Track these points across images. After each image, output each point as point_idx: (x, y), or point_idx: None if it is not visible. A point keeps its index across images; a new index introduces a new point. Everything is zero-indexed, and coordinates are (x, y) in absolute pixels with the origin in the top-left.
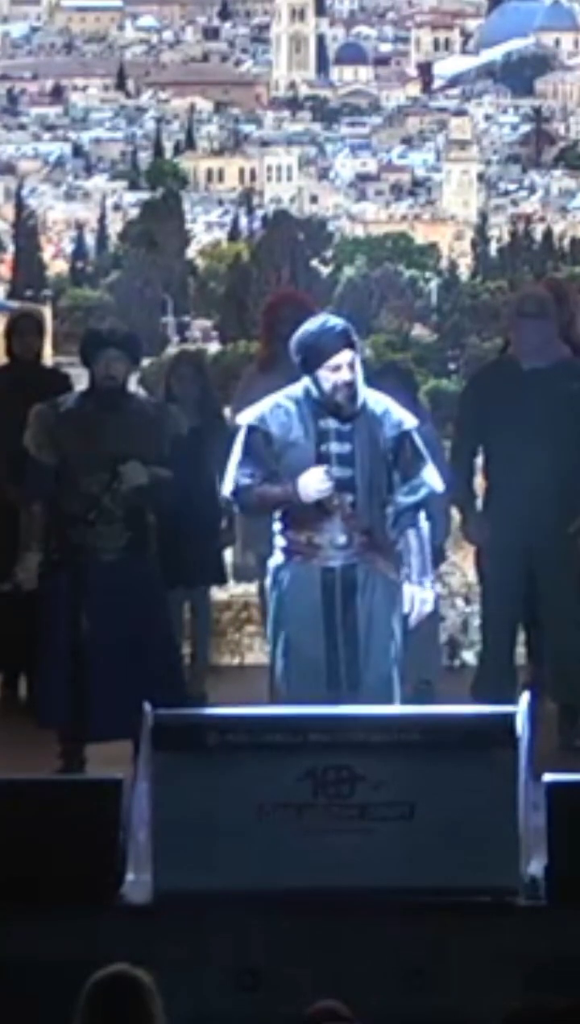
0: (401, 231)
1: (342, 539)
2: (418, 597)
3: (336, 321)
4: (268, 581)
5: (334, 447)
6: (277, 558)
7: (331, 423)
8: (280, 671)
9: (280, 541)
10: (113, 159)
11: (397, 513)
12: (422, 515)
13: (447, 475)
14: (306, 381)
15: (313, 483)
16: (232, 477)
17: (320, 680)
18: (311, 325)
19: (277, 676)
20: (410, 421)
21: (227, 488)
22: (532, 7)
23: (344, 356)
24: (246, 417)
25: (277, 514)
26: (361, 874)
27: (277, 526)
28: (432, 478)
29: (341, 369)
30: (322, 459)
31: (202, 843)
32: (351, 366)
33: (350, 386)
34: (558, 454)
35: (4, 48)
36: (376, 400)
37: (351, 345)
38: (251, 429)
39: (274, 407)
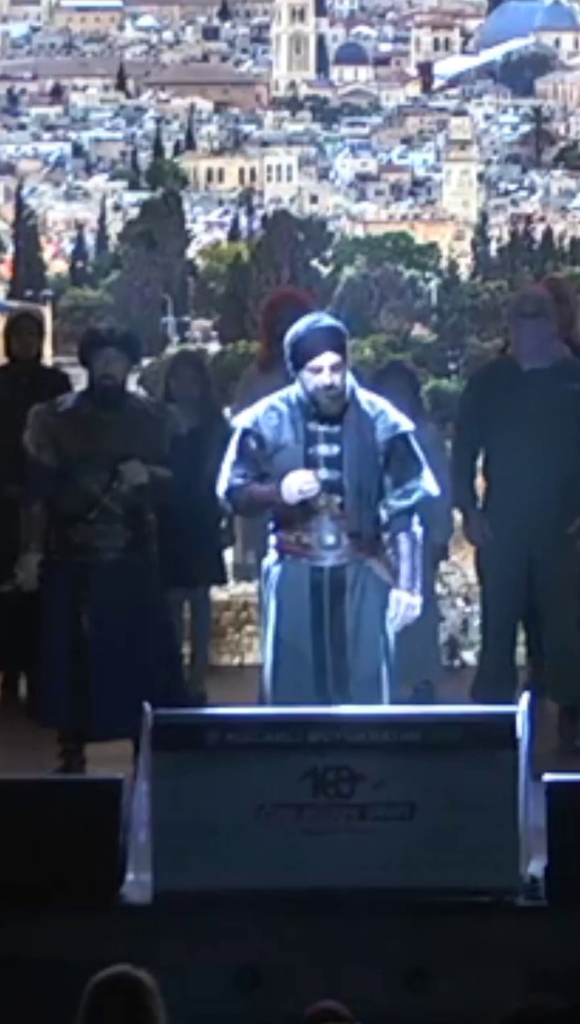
0: (401, 231)
1: (331, 539)
2: (405, 602)
3: (327, 321)
4: (261, 579)
5: (322, 449)
6: (270, 557)
7: (320, 426)
8: (269, 667)
9: (272, 540)
10: (113, 159)
11: (390, 517)
12: (415, 520)
13: (447, 476)
14: (297, 381)
15: (296, 484)
16: (226, 478)
17: (308, 678)
18: (301, 324)
19: (266, 672)
20: (406, 424)
21: (221, 488)
22: (532, 7)
23: (326, 359)
24: (241, 420)
25: (270, 514)
26: (361, 874)
27: (270, 526)
28: (427, 482)
29: (321, 372)
30: (310, 461)
31: (202, 843)
32: (334, 368)
33: (330, 389)
34: (558, 454)
35: (4, 48)
36: (371, 402)
37: (336, 347)
38: (245, 432)
39: (267, 410)
